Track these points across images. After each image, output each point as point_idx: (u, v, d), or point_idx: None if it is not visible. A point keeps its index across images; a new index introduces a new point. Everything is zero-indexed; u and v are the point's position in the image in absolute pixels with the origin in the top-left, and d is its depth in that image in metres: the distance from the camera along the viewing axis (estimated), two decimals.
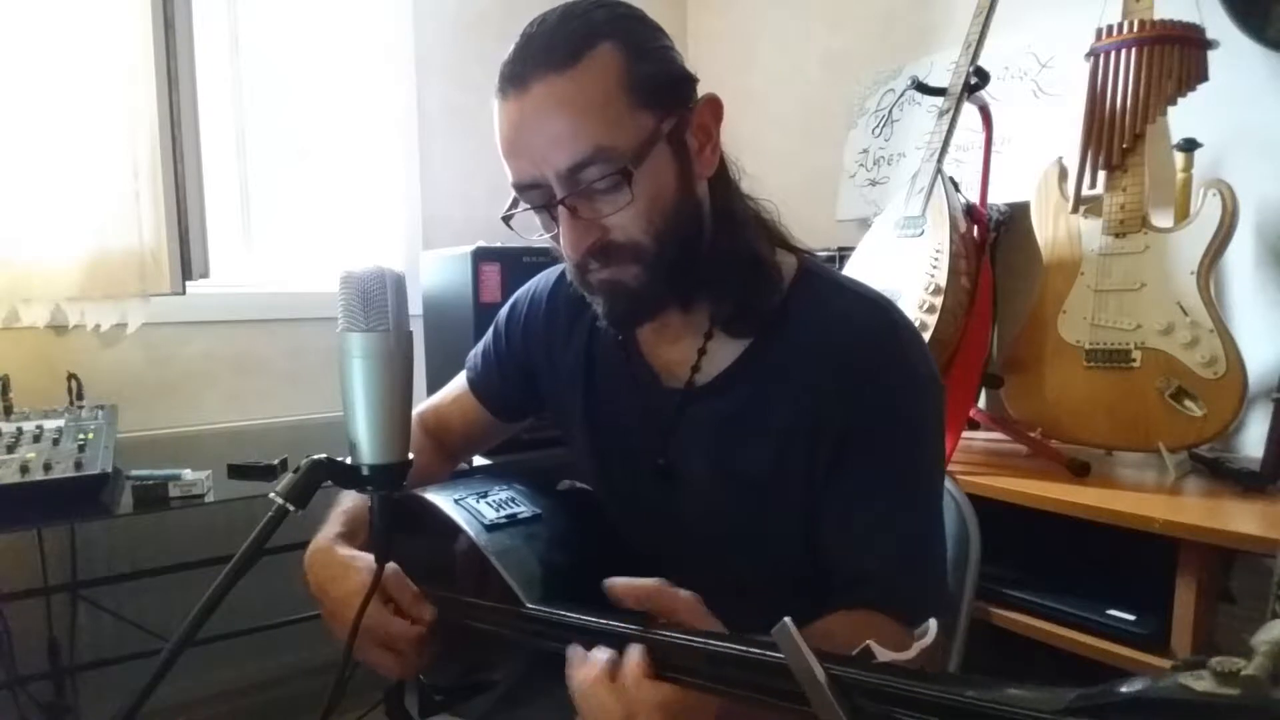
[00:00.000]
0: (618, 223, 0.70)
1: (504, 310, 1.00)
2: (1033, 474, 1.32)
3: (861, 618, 0.69)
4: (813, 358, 0.74)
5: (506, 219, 0.76)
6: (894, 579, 0.71)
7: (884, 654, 0.44)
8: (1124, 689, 0.34)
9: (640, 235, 0.71)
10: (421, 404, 1.05)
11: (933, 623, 0.44)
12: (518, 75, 0.68)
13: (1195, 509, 1.14)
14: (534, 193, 0.71)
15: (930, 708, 0.41)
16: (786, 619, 0.46)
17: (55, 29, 1.55)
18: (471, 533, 0.75)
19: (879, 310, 0.77)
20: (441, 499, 0.81)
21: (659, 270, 0.72)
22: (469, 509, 0.79)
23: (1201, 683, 0.31)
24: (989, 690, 0.39)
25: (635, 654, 0.56)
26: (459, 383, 1.03)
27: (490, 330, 1.00)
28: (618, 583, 0.60)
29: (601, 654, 0.58)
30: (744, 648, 0.51)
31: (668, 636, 0.57)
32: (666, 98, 0.70)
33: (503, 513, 0.80)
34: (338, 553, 0.79)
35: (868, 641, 0.45)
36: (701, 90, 0.76)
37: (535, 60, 0.67)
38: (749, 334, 0.78)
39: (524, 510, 0.81)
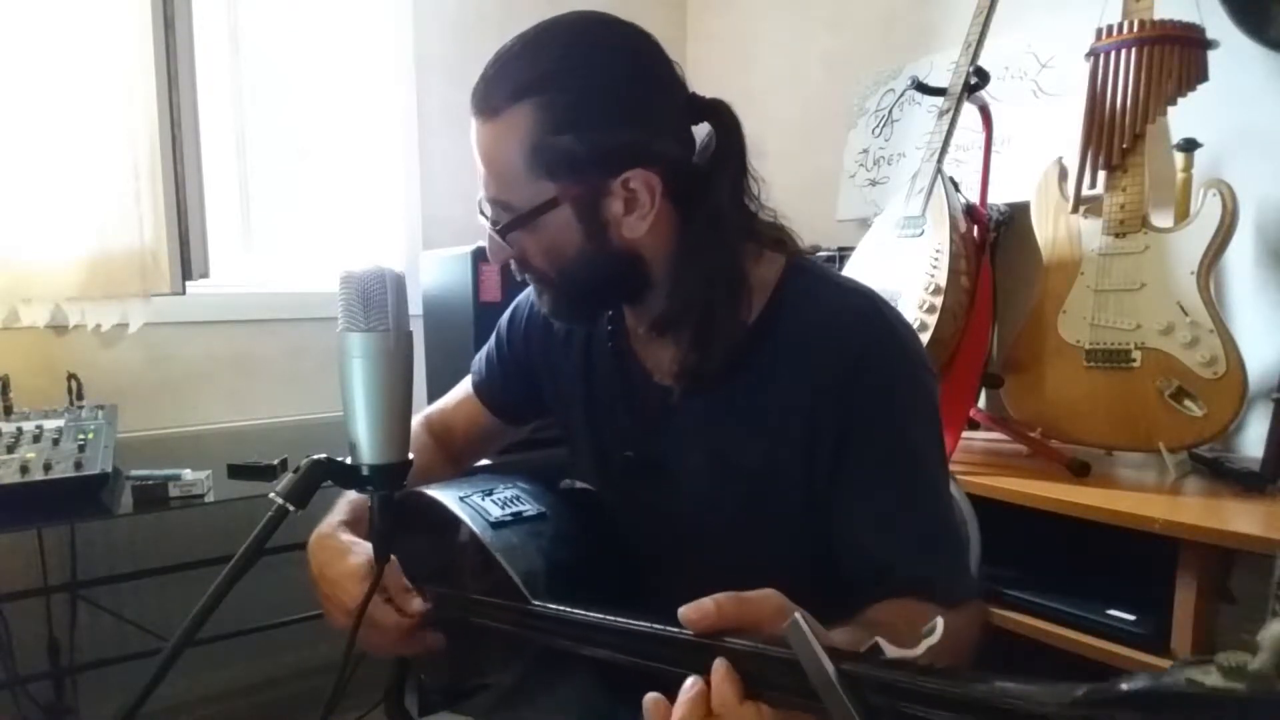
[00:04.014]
0: (522, 253, 0.76)
1: (506, 315, 1.01)
2: (1033, 474, 1.32)
3: (900, 605, 0.68)
4: (803, 353, 0.75)
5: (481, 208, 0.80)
6: (918, 566, 0.71)
7: (892, 651, 0.44)
8: (1126, 686, 0.34)
9: (543, 267, 0.76)
10: (428, 409, 1.06)
11: (939, 621, 0.44)
12: (473, 101, 0.74)
13: (1195, 509, 1.14)
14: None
15: (940, 701, 0.41)
16: (797, 615, 0.46)
17: (55, 29, 1.55)
18: (477, 530, 0.76)
19: (866, 303, 0.77)
20: (446, 496, 0.81)
21: (571, 296, 0.78)
22: (474, 506, 0.80)
23: (1209, 678, 0.32)
24: (998, 685, 0.39)
25: (721, 675, 0.49)
26: (464, 387, 1.05)
27: (493, 335, 1.02)
28: (688, 611, 0.51)
29: (690, 687, 0.50)
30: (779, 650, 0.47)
31: (679, 634, 0.53)
32: (574, 172, 0.71)
33: (508, 510, 0.80)
34: (339, 537, 0.82)
35: (876, 639, 0.45)
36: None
37: (478, 97, 0.73)
38: (706, 388, 0.77)
39: (529, 508, 0.82)
